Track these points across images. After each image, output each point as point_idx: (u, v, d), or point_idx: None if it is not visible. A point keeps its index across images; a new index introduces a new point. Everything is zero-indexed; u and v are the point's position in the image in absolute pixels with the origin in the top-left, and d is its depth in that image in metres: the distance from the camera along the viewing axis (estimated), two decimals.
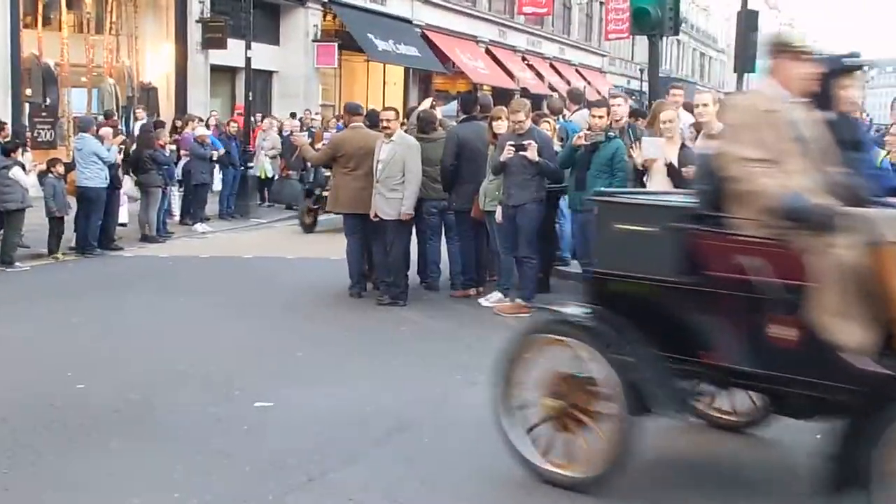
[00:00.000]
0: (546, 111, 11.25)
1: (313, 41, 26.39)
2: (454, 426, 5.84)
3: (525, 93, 33.16)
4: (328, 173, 12.79)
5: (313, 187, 15.53)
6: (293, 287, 10.74)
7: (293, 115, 21.94)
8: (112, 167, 13.06)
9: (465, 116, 10.31)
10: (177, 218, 16.18)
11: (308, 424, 5.81)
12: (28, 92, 18.30)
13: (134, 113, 19.63)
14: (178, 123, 18.03)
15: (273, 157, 18.97)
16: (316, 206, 15.52)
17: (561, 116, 10.92)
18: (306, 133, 18.19)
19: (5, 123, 14.56)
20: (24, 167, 12.28)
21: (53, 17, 19.65)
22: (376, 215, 9.48)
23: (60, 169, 12.92)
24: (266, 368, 7.18)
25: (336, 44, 26.65)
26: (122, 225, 13.85)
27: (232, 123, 18.84)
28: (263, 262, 12.73)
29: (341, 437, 5.58)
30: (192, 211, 16.27)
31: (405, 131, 10.01)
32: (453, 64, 32.58)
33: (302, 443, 5.47)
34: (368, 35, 27.47)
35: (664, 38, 14.53)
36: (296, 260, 12.87)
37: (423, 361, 7.48)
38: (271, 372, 7.07)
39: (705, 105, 8.04)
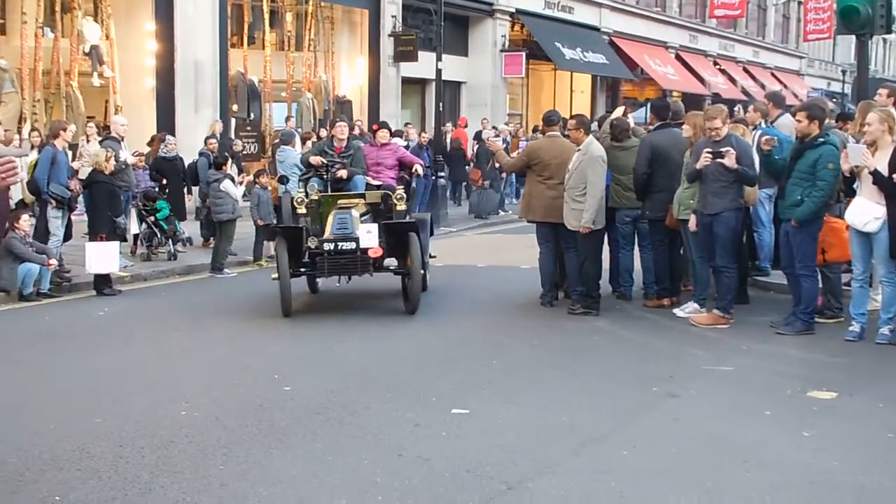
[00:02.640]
0: (753, 114, 10.83)
1: (501, 51, 26.62)
2: (652, 440, 5.73)
3: (716, 98, 32.31)
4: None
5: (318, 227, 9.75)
6: (484, 295, 10.84)
7: (477, 137, 22.00)
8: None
9: (659, 123, 10.11)
10: None
11: (504, 432, 5.83)
12: (234, 108, 19.33)
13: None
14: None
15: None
16: (314, 261, 9.56)
17: (763, 122, 10.52)
18: (501, 140, 18.28)
19: (212, 138, 15.41)
20: (233, 179, 12.96)
21: (257, 37, 20.71)
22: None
23: (265, 180, 13.56)
24: (459, 376, 7.26)
25: (523, 53, 26.79)
26: None
27: (423, 134, 19.23)
28: (454, 271, 12.88)
29: (537, 447, 5.57)
30: None
31: (597, 139, 9.90)
32: (641, 70, 32.12)
33: (499, 450, 5.49)
34: (556, 44, 27.50)
35: (872, 38, 13.76)
36: (486, 268, 12.99)
37: (618, 372, 7.37)
38: (465, 379, 7.14)
39: None
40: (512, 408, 6.36)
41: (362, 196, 10.08)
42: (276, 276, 9.45)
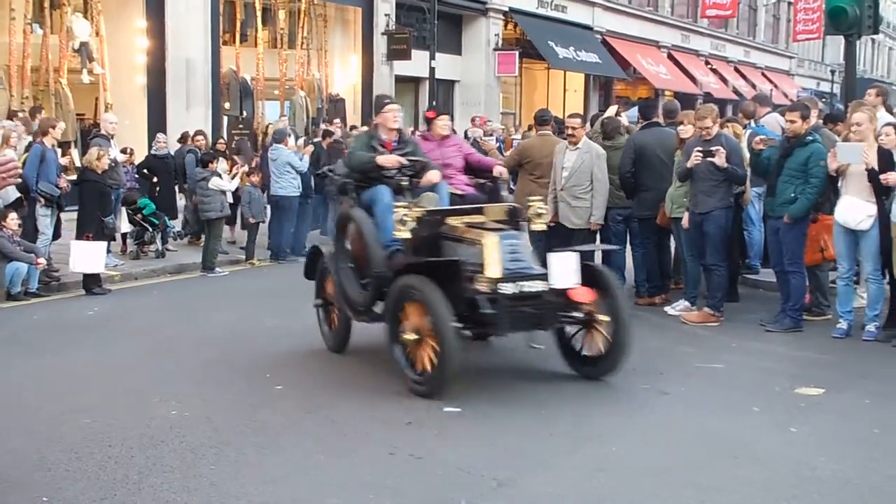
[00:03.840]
0: (739, 115, 10.96)
1: (494, 50, 26.63)
2: (643, 437, 5.75)
3: (708, 97, 32.39)
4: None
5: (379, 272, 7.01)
6: None
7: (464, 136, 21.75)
8: (304, 176, 13.58)
9: (645, 123, 10.15)
10: None
11: (496, 430, 5.84)
12: (226, 105, 19.29)
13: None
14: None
15: None
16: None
17: (752, 121, 10.58)
18: (494, 139, 18.24)
19: (200, 133, 15.30)
20: (220, 176, 12.90)
21: (250, 34, 20.65)
22: (557, 222, 9.42)
23: (256, 178, 13.54)
24: None
25: (517, 52, 26.80)
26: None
27: (416, 132, 19.12)
28: None
29: (528, 445, 5.58)
30: None
31: (590, 138, 9.92)
32: (634, 70, 32.15)
33: (491, 448, 5.50)
34: (549, 43, 27.50)
35: (860, 38, 13.81)
36: None
37: None
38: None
39: None
40: (504, 406, 6.36)
41: (479, 211, 7.17)
42: (410, 336, 6.47)
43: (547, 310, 6.52)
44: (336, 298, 7.68)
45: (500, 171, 7.91)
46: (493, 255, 6.42)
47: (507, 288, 6.35)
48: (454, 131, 9.16)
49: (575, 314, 6.77)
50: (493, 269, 6.38)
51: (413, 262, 6.74)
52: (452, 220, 6.94)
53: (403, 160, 7.37)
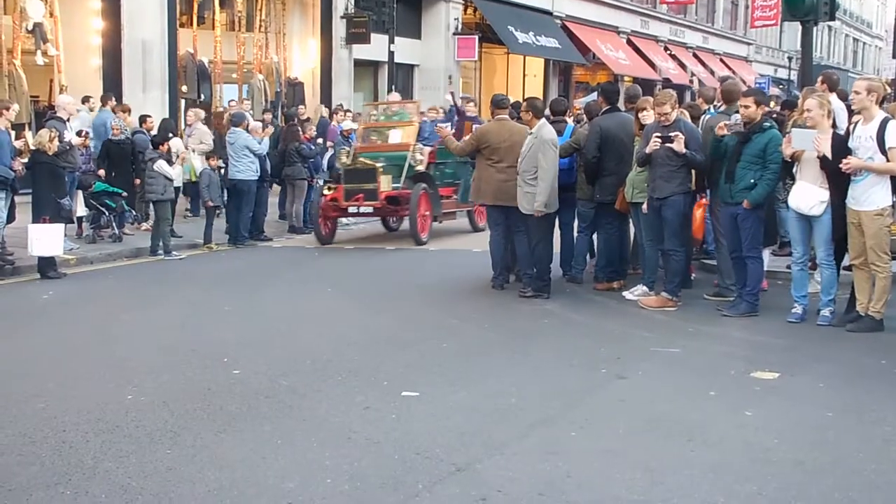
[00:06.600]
0: (698, 101, 11.00)
1: (454, 34, 26.59)
2: (599, 420, 5.78)
3: (667, 83, 32.60)
4: None
5: None
6: (436, 278, 10.85)
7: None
8: (262, 160, 13.49)
9: (607, 108, 10.18)
10: None
11: (453, 415, 5.85)
12: (184, 88, 19.08)
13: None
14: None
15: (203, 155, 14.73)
16: None
17: (712, 106, 10.65)
18: (449, 125, 18.21)
19: (149, 117, 15.10)
20: (169, 161, 12.76)
21: (207, 16, 20.43)
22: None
23: (214, 162, 13.42)
24: (411, 359, 7.27)
25: (476, 37, 26.79)
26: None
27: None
28: (406, 254, 12.90)
29: (486, 429, 5.59)
30: None
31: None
32: (593, 55, 32.28)
33: (448, 433, 5.51)
34: (509, 27, 27.51)
35: (817, 24, 13.97)
36: (438, 251, 13.00)
37: (567, 355, 7.42)
38: (416, 362, 7.15)
39: (857, 93, 7.77)
40: (462, 390, 6.38)
41: None
42: None
43: None
44: None
45: None
46: None
47: None
48: None
49: None
50: None
51: None
52: None
53: None
